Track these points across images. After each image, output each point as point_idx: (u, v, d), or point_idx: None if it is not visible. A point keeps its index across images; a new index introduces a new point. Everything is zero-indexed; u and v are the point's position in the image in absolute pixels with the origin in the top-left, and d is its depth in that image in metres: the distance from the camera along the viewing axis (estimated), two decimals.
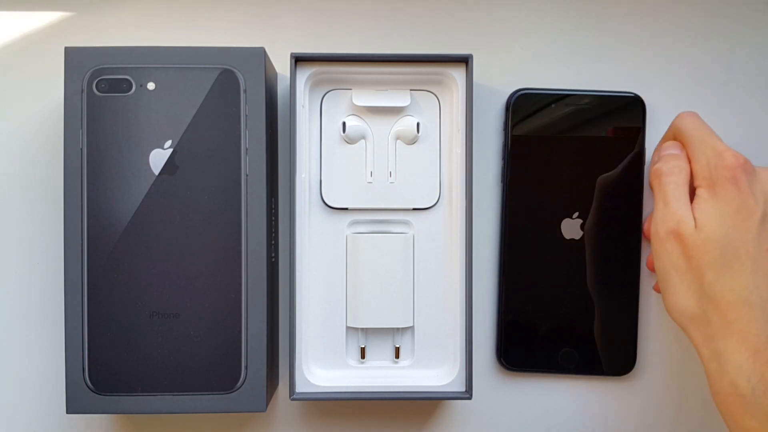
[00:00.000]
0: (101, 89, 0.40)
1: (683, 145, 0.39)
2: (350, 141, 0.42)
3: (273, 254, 0.42)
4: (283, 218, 0.45)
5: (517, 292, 0.44)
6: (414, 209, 0.42)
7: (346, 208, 0.42)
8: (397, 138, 0.42)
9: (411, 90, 0.43)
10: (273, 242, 0.42)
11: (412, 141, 0.42)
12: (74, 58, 0.40)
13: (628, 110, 0.45)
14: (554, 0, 0.46)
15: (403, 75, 0.42)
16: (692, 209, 0.36)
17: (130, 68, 0.39)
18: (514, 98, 0.44)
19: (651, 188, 0.39)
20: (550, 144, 0.44)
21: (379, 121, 0.42)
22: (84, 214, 0.39)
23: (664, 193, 0.37)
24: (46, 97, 0.45)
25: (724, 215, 0.35)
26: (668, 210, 0.36)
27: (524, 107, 0.44)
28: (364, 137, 0.42)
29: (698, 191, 0.36)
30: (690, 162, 0.38)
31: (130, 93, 0.40)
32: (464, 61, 0.42)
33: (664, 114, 0.46)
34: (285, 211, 0.45)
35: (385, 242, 0.43)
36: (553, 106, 0.44)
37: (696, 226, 0.35)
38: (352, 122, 0.42)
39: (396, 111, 0.43)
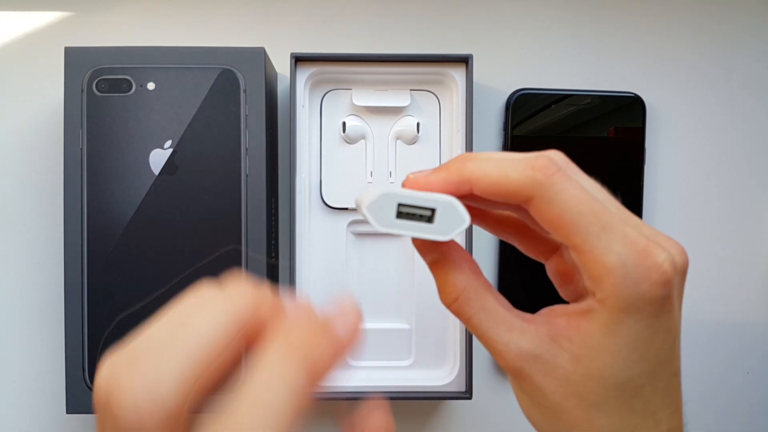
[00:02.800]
0: (101, 89, 0.40)
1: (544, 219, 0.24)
2: (350, 141, 0.42)
3: (273, 254, 0.42)
4: (283, 218, 0.45)
5: (517, 291, 0.44)
6: None
7: (346, 208, 0.42)
8: (397, 138, 0.42)
9: (411, 90, 0.43)
10: (273, 242, 0.42)
11: (412, 141, 0.42)
12: (74, 58, 0.40)
13: (629, 110, 0.45)
14: (554, 0, 0.46)
15: (403, 75, 0.42)
16: (563, 328, 0.24)
17: (130, 68, 0.39)
18: (514, 98, 0.44)
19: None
20: (550, 144, 0.44)
21: (379, 121, 0.42)
22: (84, 214, 0.39)
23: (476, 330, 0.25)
24: (46, 97, 0.45)
25: (627, 349, 0.23)
26: (491, 348, 0.25)
27: (524, 107, 0.44)
28: (364, 137, 0.42)
29: (590, 304, 0.24)
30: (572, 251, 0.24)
31: (130, 93, 0.39)
32: (464, 61, 0.42)
33: (664, 114, 0.46)
34: (285, 211, 0.45)
35: (385, 242, 0.43)
36: (553, 106, 0.44)
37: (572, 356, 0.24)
38: (352, 122, 0.42)
39: (396, 111, 0.43)
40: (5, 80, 0.45)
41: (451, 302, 0.25)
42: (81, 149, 0.39)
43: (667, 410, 0.24)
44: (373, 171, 0.42)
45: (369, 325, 0.43)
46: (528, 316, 0.25)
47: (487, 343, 0.25)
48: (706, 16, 0.46)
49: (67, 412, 0.39)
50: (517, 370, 0.24)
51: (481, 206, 0.27)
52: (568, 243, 0.23)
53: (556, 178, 0.23)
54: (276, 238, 0.44)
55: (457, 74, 0.42)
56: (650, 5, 0.46)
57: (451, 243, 0.26)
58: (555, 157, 0.24)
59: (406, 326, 0.43)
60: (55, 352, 0.44)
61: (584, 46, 0.46)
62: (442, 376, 0.42)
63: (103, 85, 0.40)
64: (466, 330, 0.41)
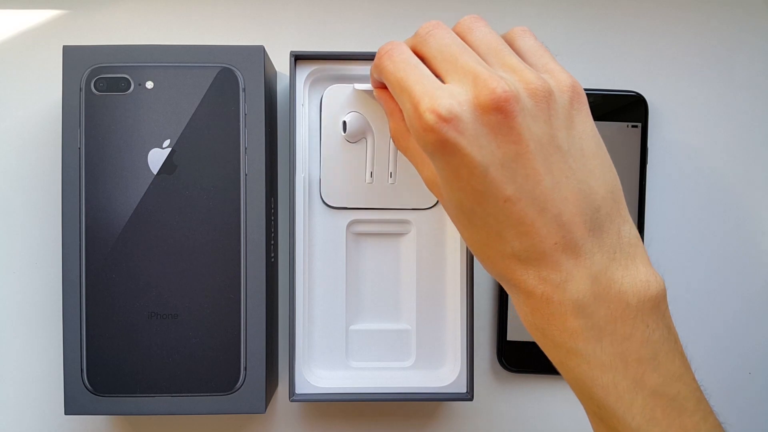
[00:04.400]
0: (99, 88, 0.39)
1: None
2: (351, 140, 0.41)
3: (272, 254, 0.42)
4: (283, 218, 0.45)
5: None
6: (414, 209, 0.42)
7: (345, 208, 0.42)
8: None
9: None
10: (272, 242, 0.42)
11: None
12: (72, 56, 0.39)
13: (630, 109, 0.44)
14: None
15: None
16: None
17: (129, 67, 0.39)
18: None
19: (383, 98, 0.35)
20: None
21: (381, 119, 0.41)
22: (82, 214, 0.39)
23: (406, 80, 0.30)
24: (44, 96, 0.44)
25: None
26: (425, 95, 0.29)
27: None
28: (364, 136, 0.41)
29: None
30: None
31: (128, 92, 0.39)
32: None
33: (666, 112, 0.45)
34: (284, 210, 0.45)
35: (385, 242, 0.42)
36: None
37: None
38: (352, 120, 0.40)
39: None
40: (3, 79, 0.45)
41: (394, 141, 0.35)
42: (79, 148, 0.39)
43: (511, 231, 0.28)
44: (374, 171, 0.41)
45: (369, 325, 0.43)
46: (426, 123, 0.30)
47: (417, 169, 0.33)
48: (708, 15, 0.46)
49: (66, 413, 0.39)
50: (429, 186, 0.32)
51: None
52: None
53: (381, 59, 0.31)
54: (275, 238, 0.43)
55: None
56: (652, 4, 0.46)
57: (385, 96, 0.35)
58: (415, 33, 0.31)
59: (406, 327, 0.43)
60: (54, 353, 0.44)
61: (586, 45, 0.46)
62: (443, 377, 0.42)
63: (101, 84, 0.39)
64: (466, 331, 0.41)
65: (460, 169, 0.27)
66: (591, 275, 0.28)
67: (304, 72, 0.42)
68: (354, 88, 0.39)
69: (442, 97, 0.27)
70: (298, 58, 0.41)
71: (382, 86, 0.34)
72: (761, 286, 0.46)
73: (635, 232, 0.29)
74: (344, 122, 0.40)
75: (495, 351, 0.45)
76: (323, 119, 0.41)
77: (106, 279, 0.39)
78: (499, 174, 0.27)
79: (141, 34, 0.45)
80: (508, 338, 0.45)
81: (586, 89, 0.45)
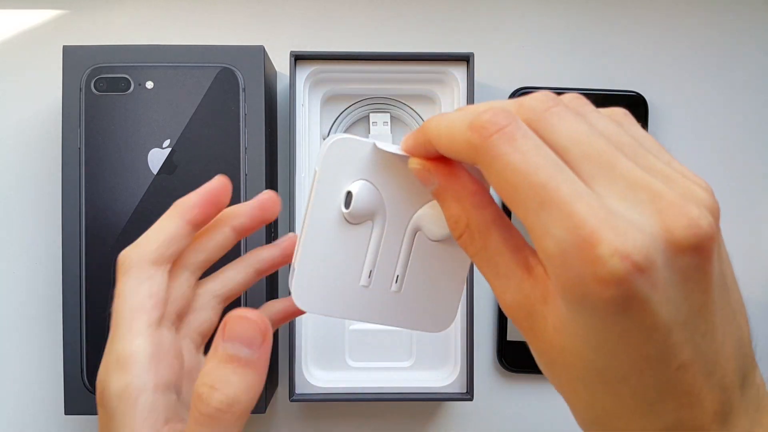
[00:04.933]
0: (99, 88, 0.39)
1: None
2: (353, 219, 0.27)
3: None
4: (282, 218, 0.44)
5: None
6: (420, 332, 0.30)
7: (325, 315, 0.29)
8: (417, 229, 0.28)
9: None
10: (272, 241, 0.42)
11: (439, 238, 0.28)
12: (72, 56, 0.39)
13: (631, 109, 0.44)
14: None
15: (404, 73, 0.42)
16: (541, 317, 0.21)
17: (129, 67, 0.39)
18: (515, 97, 0.44)
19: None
20: None
21: (399, 197, 0.27)
22: (82, 214, 0.39)
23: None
24: (44, 95, 0.44)
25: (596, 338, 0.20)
26: (494, 288, 0.23)
27: None
28: (372, 218, 0.27)
29: (551, 290, 0.21)
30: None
31: (128, 92, 0.39)
32: (465, 59, 0.42)
33: (666, 112, 0.45)
34: (284, 210, 0.45)
35: None
36: None
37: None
38: (362, 193, 0.26)
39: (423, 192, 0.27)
40: (3, 79, 0.45)
41: (458, 235, 0.23)
42: (79, 148, 0.39)
43: (670, 404, 0.20)
44: (374, 271, 0.27)
45: (369, 325, 0.43)
46: (534, 262, 0.22)
47: (488, 282, 0.23)
48: (708, 15, 0.46)
49: (66, 413, 0.39)
50: (512, 317, 0.22)
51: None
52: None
53: (493, 140, 0.20)
54: (275, 238, 0.43)
55: (458, 73, 0.42)
56: (652, 4, 0.46)
57: (455, 172, 0.23)
58: (526, 102, 0.21)
59: None
60: (54, 353, 0.44)
61: (586, 45, 0.46)
62: (443, 377, 0.42)
63: (101, 84, 0.39)
64: (467, 331, 0.41)
65: (632, 331, 0.19)
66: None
67: (304, 72, 0.42)
68: (375, 146, 0.26)
69: (631, 232, 0.18)
70: (298, 58, 0.41)
71: (437, 158, 0.23)
72: (762, 285, 0.46)
73: (761, 374, 0.23)
74: (349, 193, 0.27)
75: (495, 351, 0.45)
76: (319, 181, 0.26)
77: (106, 279, 0.39)
78: (680, 335, 0.19)
79: (141, 34, 0.45)
80: (508, 338, 0.45)
81: (586, 89, 0.45)
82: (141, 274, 0.26)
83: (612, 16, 0.46)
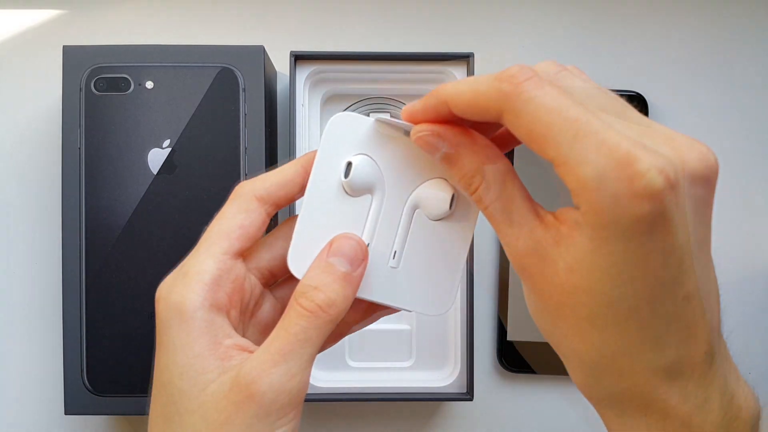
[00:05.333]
0: (99, 88, 0.39)
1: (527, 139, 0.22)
2: (351, 191, 0.27)
3: None
4: (283, 217, 0.44)
5: (518, 292, 0.44)
6: (416, 313, 0.30)
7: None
8: (416, 207, 0.28)
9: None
10: None
11: (438, 217, 0.28)
12: (72, 56, 0.39)
13: None
14: None
15: (404, 73, 0.42)
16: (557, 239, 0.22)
17: (129, 67, 0.39)
18: None
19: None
20: None
21: (398, 171, 0.27)
22: (82, 214, 0.39)
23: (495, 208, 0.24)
24: (44, 95, 0.44)
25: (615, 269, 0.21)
26: (502, 238, 0.24)
27: None
28: (371, 191, 0.27)
29: (578, 217, 0.22)
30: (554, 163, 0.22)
31: (128, 92, 0.39)
32: (465, 59, 0.41)
33: (666, 112, 0.45)
34: (284, 210, 0.44)
35: None
36: None
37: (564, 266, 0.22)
38: (361, 166, 0.27)
39: (425, 166, 0.28)
40: (3, 79, 0.45)
41: (473, 191, 0.24)
42: (79, 148, 0.39)
43: (675, 336, 0.22)
44: (371, 245, 0.27)
45: (369, 326, 0.43)
46: (543, 212, 0.23)
47: (498, 231, 0.24)
48: (709, 15, 0.46)
49: (66, 413, 0.39)
50: (521, 266, 0.23)
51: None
52: (545, 158, 0.21)
53: (524, 86, 0.21)
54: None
55: (459, 73, 0.42)
56: (652, 4, 0.46)
57: (458, 131, 0.24)
58: (539, 66, 0.23)
59: (406, 327, 0.43)
60: (54, 353, 0.44)
61: (586, 45, 0.46)
62: (443, 377, 0.42)
63: (101, 84, 0.39)
64: (467, 331, 0.41)
65: (653, 254, 0.21)
66: (721, 390, 0.23)
67: (304, 72, 0.42)
68: (375, 121, 0.27)
69: (660, 155, 0.20)
70: (298, 58, 0.41)
71: (445, 122, 0.24)
72: (762, 285, 0.46)
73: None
74: (349, 164, 0.27)
75: (495, 351, 0.45)
76: (320, 154, 0.27)
77: (106, 279, 0.39)
78: (689, 263, 0.21)
79: (141, 34, 0.45)
80: (508, 338, 0.44)
81: None
82: (243, 205, 0.26)
83: (612, 15, 0.46)
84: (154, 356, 0.26)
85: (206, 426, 0.23)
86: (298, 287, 0.25)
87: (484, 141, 0.24)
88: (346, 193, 0.27)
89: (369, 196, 0.27)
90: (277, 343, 0.24)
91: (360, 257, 0.26)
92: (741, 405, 0.24)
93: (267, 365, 0.23)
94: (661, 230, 0.20)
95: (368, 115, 0.28)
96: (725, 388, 0.23)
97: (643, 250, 0.20)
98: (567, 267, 0.22)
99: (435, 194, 0.27)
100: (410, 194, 0.28)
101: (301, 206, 0.27)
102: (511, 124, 0.22)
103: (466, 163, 0.24)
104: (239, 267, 0.26)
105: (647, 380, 0.22)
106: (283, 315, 0.25)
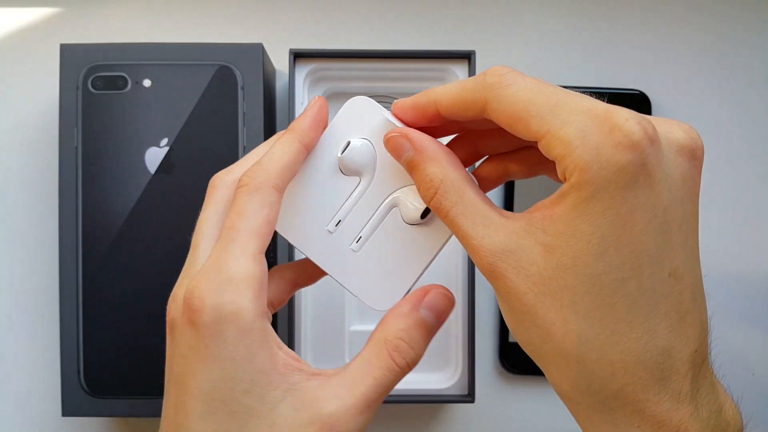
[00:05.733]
0: (97, 86, 0.39)
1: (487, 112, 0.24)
2: (344, 169, 0.29)
3: (271, 254, 0.42)
4: None
5: None
6: (360, 302, 0.30)
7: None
8: (395, 205, 0.29)
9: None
10: (271, 241, 0.42)
11: (410, 222, 0.29)
12: (69, 54, 0.39)
13: (634, 107, 0.44)
14: None
15: (405, 71, 0.42)
16: (546, 214, 0.22)
17: (126, 65, 0.39)
18: None
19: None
20: None
21: (392, 169, 0.29)
22: (79, 214, 0.39)
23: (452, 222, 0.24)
24: (41, 94, 0.44)
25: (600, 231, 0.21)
26: (467, 245, 0.24)
27: None
28: (360, 175, 0.29)
29: (564, 190, 0.22)
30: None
31: (125, 90, 0.39)
32: (467, 57, 0.41)
33: (669, 111, 0.45)
34: None
35: None
36: None
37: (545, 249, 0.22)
38: (359, 149, 0.28)
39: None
40: (0, 77, 0.45)
41: (431, 198, 0.24)
42: (76, 147, 0.39)
43: (663, 321, 0.21)
44: (342, 222, 0.29)
45: (370, 326, 0.42)
46: (508, 213, 0.24)
47: (463, 239, 0.24)
48: (712, 14, 0.46)
49: (63, 415, 0.39)
50: (491, 268, 0.23)
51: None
52: (528, 137, 0.22)
53: (506, 77, 0.23)
54: (274, 237, 0.43)
55: (460, 71, 0.41)
56: (655, 2, 0.46)
57: (426, 138, 0.26)
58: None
59: None
60: (51, 354, 0.44)
61: (589, 43, 0.45)
62: (444, 379, 0.42)
63: (98, 82, 0.39)
64: (468, 332, 0.41)
65: (637, 213, 0.20)
66: (711, 399, 0.22)
67: (303, 70, 0.41)
68: (383, 116, 0.28)
69: (641, 116, 0.21)
70: (297, 55, 0.41)
71: (433, 121, 0.26)
72: (764, 284, 0.46)
73: None
74: (348, 144, 0.28)
75: (496, 353, 0.45)
76: (329, 129, 0.29)
77: (104, 279, 0.39)
78: (677, 235, 0.21)
79: (138, 32, 0.45)
80: (510, 340, 0.44)
81: (589, 87, 0.44)
82: (265, 198, 0.25)
83: (615, 14, 0.46)
84: (165, 363, 0.25)
85: None
86: (391, 336, 0.25)
87: (446, 149, 0.25)
88: (340, 170, 0.29)
89: (358, 178, 0.29)
90: (365, 391, 0.24)
91: (448, 312, 0.26)
92: (729, 420, 0.23)
93: (354, 412, 0.24)
94: (643, 185, 0.20)
95: (387, 107, 0.29)
96: (715, 397, 0.22)
97: (627, 206, 0.20)
98: (545, 248, 0.22)
99: (412, 199, 0.28)
100: (393, 191, 0.29)
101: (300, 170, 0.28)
102: (495, 112, 0.23)
103: (426, 169, 0.25)
104: (266, 264, 0.25)
105: (637, 378, 0.21)
106: (369, 357, 0.25)
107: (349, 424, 0.23)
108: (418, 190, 0.26)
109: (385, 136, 0.27)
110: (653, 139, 0.20)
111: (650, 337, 0.21)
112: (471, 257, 0.24)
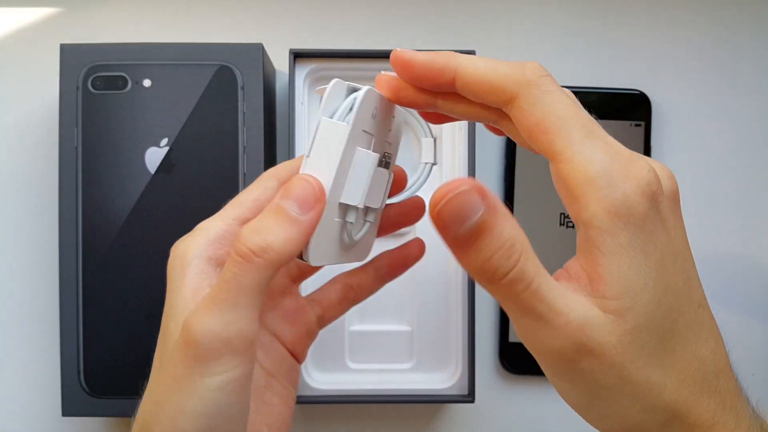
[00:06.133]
0: (97, 86, 0.39)
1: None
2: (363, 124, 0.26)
3: None
4: None
5: None
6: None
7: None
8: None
9: None
10: None
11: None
12: (69, 54, 0.39)
13: (634, 107, 0.44)
14: None
15: None
16: (594, 276, 0.21)
17: (126, 65, 0.39)
18: None
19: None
20: None
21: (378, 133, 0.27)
22: (79, 214, 0.39)
23: (529, 300, 0.21)
24: (41, 94, 0.44)
25: (650, 272, 0.21)
26: (550, 322, 0.21)
27: None
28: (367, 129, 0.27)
29: (594, 237, 0.21)
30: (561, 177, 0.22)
31: (125, 90, 0.39)
32: None
33: (670, 111, 0.45)
34: None
35: (385, 243, 0.42)
36: None
37: (605, 310, 0.21)
38: (373, 96, 0.26)
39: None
40: (0, 77, 0.45)
41: (513, 265, 0.20)
42: (76, 147, 0.39)
43: (706, 347, 0.22)
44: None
45: (370, 327, 0.42)
46: (561, 274, 0.22)
47: (544, 314, 0.20)
48: (712, 14, 0.46)
49: (63, 415, 0.39)
50: (578, 346, 0.20)
51: (458, 113, 0.25)
52: (548, 151, 0.22)
53: (546, 79, 0.22)
54: None
55: None
56: (656, 2, 0.46)
57: (492, 192, 0.21)
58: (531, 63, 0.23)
59: (407, 328, 0.42)
60: (51, 354, 0.44)
61: (589, 43, 0.45)
62: (444, 379, 0.42)
63: (98, 82, 0.39)
64: (468, 332, 0.41)
65: (665, 256, 0.21)
66: (750, 412, 0.23)
67: (303, 70, 0.41)
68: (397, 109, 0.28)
69: (651, 163, 0.22)
70: (297, 55, 0.41)
71: (437, 90, 0.25)
72: (765, 285, 0.46)
73: None
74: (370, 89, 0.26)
75: (496, 353, 0.45)
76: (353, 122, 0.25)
77: (104, 279, 0.39)
78: (691, 268, 0.23)
79: (138, 32, 0.45)
80: (510, 340, 0.44)
81: (590, 88, 0.44)
82: (260, 182, 0.27)
83: (615, 13, 0.46)
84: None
85: (171, 367, 0.23)
86: (240, 229, 0.24)
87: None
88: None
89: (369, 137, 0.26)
90: (212, 290, 0.23)
91: (312, 201, 0.23)
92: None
93: (202, 312, 0.22)
94: (661, 230, 0.21)
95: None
96: (753, 411, 0.23)
97: (658, 252, 0.21)
98: (615, 314, 0.20)
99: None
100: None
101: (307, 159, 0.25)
102: (521, 111, 0.22)
103: (503, 231, 0.20)
104: None
105: (707, 408, 0.22)
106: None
107: (197, 324, 0.22)
108: (483, 257, 0.20)
109: (435, 198, 0.20)
110: (668, 195, 0.22)
111: (702, 364, 0.22)
112: (543, 339, 0.21)
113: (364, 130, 0.26)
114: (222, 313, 0.22)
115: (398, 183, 0.30)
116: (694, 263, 0.23)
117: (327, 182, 0.24)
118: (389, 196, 0.29)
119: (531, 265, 0.20)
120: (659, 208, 0.21)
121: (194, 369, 0.22)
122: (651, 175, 0.21)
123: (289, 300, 0.31)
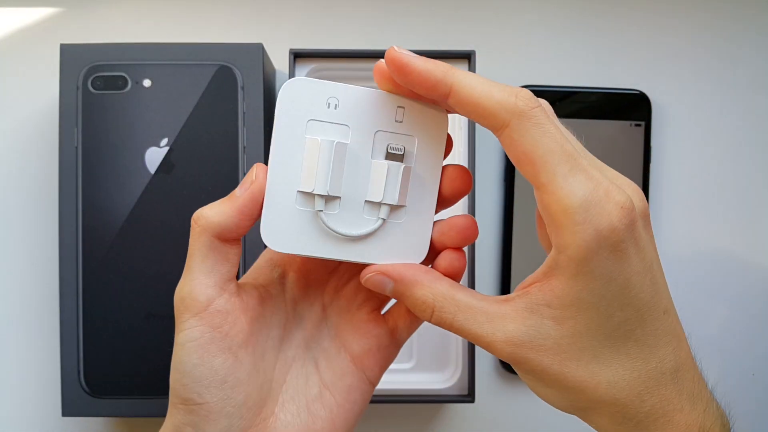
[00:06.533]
0: (97, 86, 0.39)
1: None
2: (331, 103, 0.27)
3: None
4: None
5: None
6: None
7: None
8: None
9: None
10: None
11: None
12: (70, 54, 0.39)
13: (634, 107, 0.44)
14: None
15: None
16: (546, 289, 0.24)
17: (126, 65, 0.39)
18: None
19: None
20: None
21: (363, 123, 0.27)
22: (79, 214, 0.39)
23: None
24: (41, 94, 0.44)
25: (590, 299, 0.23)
26: (480, 342, 0.25)
27: None
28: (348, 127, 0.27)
29: (563, 262, 0.23)
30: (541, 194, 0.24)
31: (125, 90, 0.39)
32: (467, 57, 0.41)
33: (669, 111, 0.45)
34: None
35: None
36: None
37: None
38: (353, 100, 0.27)
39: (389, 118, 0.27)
40: (0, 77, 0.45)
41: (429, 317, 0.25)
42: (76, 147, 0.39)
43: (668, 347, 0.24)
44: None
45: None
46: (503, 297, 0.25)
47: (475, 341, 0.25)
48: (712, 13, 0.46)
49: (63, 415, 0.39)
50: (511, 357, 0.24)
51: (453, 112, 0.26)
52: (533, 180, 0.23)
53: (537, 111, 0.23)
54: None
55: None
56: (655, 2, 0.46)
57: (399, 266, 0.26)
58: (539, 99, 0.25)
59: None
60: (51, 355, 0.44)
61: (589, 43, 0.45)
62: (444, 379, 0.42)
63: (98, 83, 0.39)
64: None
65: (633, 276, 0.23)
66: (711, 399, 0.26)
67: (303, 70, 0.41)
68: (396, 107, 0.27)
69: (626, 192, 0.23)
70: (297, 55, 0.41)
71: (430, 95, 0.25)
72: (764, 284, 0.46)
73: None
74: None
75: None
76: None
77: (104, 279, 0.39)
78: (660, 278, 0.25)
79: (138, 32, 0.45)
80: None
81: (590, 88, 0.44)
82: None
83: (615, 14, 0.46)
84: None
85: None
86: None
87: (420, 268, 0.26)
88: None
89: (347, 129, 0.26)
90: None
91: (247, 182, 0.26)
92: (726, 422, 0.26)
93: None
94: (633, 252, 0.23)
95: None
96: (710, 395, 0.26)
97: (624, 276, 0.23)
98: (554, 321, 0.24)
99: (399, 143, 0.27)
100: (376, 132, 0.27)
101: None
102: (510, 140, 0.23)
103: (414, 295, 0.26)
104: None
105: (662, 396, 0.24)
106: None
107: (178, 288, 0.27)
108: (415, 312, 0.26)
109: (361, 278, 0.26)
110: (641, 215, 0.24)
111: (661, 362, 0.24)
112: (488, 352, 0.25)
113: (312, 119, 0.26)
114: (184, 276, 0.26)
115: (452, 183, 0.27)
116: (662, 272, 0.25)
117: (272, 169, 0.26)
118: (441, 198, 0.27)
119: (446, 313, 0.25)
120: (634, 232, 0.23)
121: (176, 326, 0.26)
122: (627, 204, 0.23)
123: (366, 317, 0.30)
